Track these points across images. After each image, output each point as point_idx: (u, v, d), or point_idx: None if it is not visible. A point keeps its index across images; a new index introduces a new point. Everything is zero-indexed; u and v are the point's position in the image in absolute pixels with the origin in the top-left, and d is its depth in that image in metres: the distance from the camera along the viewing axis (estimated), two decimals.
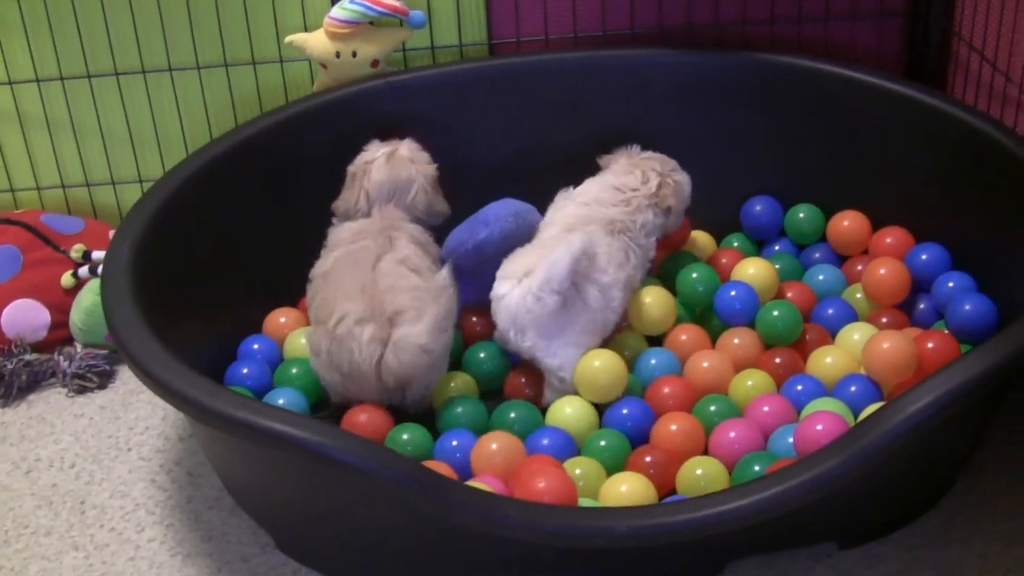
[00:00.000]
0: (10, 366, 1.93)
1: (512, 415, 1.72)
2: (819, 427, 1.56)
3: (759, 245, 2.10)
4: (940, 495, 1.64)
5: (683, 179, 1.91)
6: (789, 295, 1.90)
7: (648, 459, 1.61)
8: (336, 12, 2.00)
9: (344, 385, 1.71)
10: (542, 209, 1.89)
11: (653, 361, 1.79)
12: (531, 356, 1.74)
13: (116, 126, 2.13)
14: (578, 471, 1.60)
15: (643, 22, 2.13)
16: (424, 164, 1.87)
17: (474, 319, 1.88)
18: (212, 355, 1.81)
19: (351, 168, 1.87)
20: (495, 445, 1.62)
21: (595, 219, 1.80)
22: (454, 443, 1.67)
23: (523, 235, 1.83)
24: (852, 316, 1.86)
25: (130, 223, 1.75)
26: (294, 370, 1.81)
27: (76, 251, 2.02)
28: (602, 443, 1.65)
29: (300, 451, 1.40)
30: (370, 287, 1.69)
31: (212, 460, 1.72)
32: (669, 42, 2.12)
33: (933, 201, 1.93)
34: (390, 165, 1.83)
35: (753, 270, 1.90)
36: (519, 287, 1.70)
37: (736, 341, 1.81)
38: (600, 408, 1.74)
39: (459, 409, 1.72)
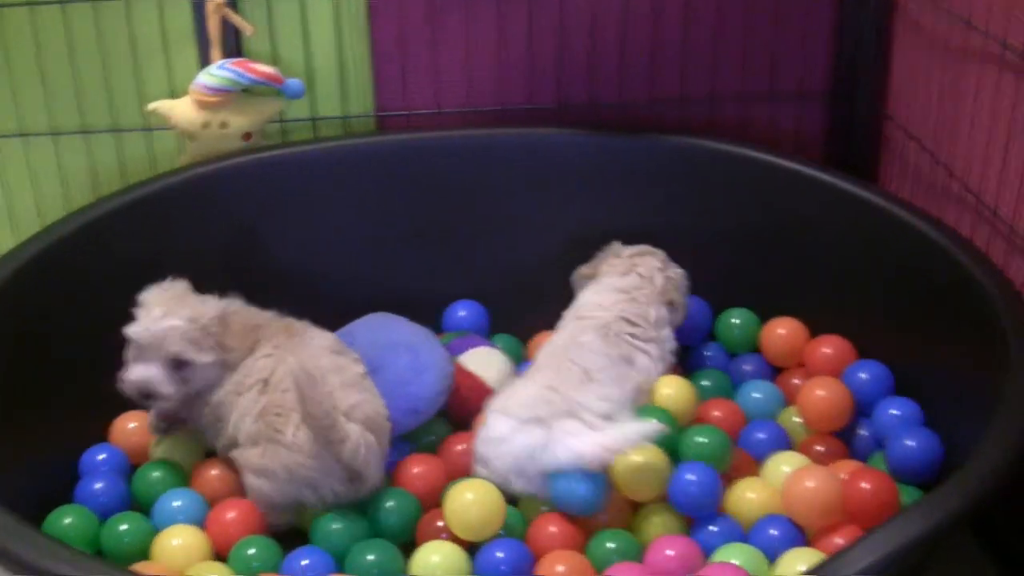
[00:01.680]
0: None
1: (369, 557, 1.45)
2: None
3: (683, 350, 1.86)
4: None
5: (679, 271, 1.76)
6: (716, 414, 1.67)
7: None
8: (203, 79, 1.79)
9: (304, 496, 1.51)
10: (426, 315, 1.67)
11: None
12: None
13: None
14: None
15: (542, 98, 1.95)
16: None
17: None
18: (48, 473, 1.58)
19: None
20: None
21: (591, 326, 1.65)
22: (304, 562, 1.44)
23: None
24: (784, 443, 1.65)
25: None
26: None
27: None
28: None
29: None
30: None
31: None
32: (571, 121, 1.92)
33: (873, 310, 1.72)
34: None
35: (669, 391, 1.66)
36: (524, 433, 1.50)
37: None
38: (475, 548, 1.49)
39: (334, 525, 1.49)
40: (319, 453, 1.47)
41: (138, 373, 1.51)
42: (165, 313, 1.51)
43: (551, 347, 1.63)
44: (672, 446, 1.57)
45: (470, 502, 1.48)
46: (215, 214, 1.79)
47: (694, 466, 1.51)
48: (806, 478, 1.47)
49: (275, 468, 1.49)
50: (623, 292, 1.69)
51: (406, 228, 1.86)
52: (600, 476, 1.47)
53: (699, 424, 1.61)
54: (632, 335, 1.64)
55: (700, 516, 1.49)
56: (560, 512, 1.51)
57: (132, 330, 1.51)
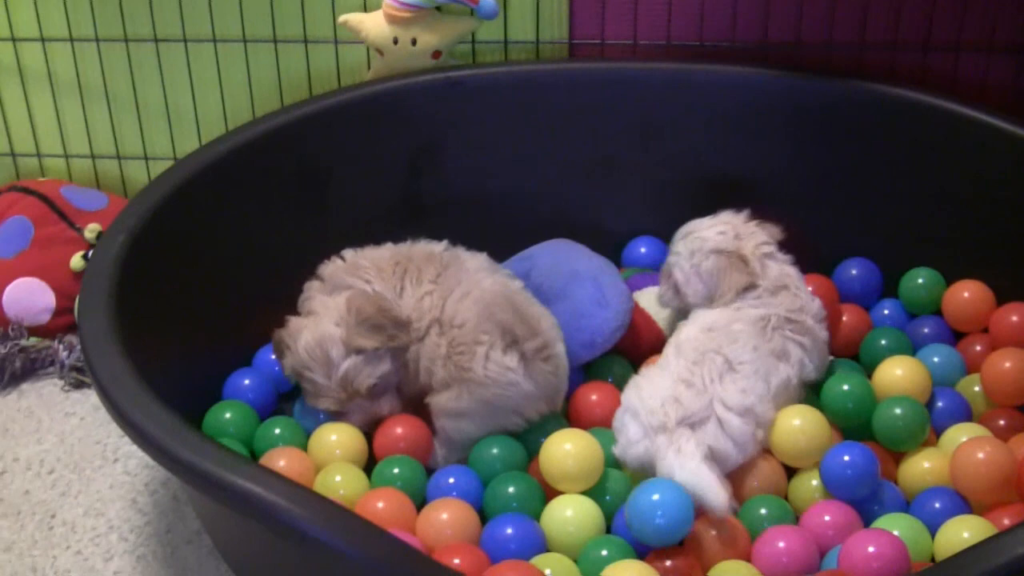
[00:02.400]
0: (3, 350, 1.77)
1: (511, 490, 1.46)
2: (870, 549, 1.30)
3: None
4: None
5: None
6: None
7: (668, 563, 1.35)
8: None
9: (511, 423, 1.52)
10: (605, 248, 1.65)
11: None
12: None
13: (152, 97, 1.95)
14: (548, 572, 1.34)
15: (744, 35, 1.86)
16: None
17: None
18: (197, 385, 1.60)
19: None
20: (445, 515, 1.41)
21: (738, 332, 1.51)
22: (450, 480, 1.46)
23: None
24: (965, 413, 1.59)
25: (130, 213, 1.55)
26: None
27: (91, 231, 1.84)
28: (603, 552, 1.38)
29: (263, 517, 1.18)
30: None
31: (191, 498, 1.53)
32: (774, 61, 1.84)
33: None
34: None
35: (901, 372, 1.57)
36: (652, 443, 1.43)
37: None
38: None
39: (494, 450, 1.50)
40: (517, 379, 1.47)
41: (360, 421, 1.51)
42: (322, 367, 1.48)
43: (696, 328, 1.53)
44: (867, 416, 1.52)
45: (567, 453, 1.44)
46: (397, 131, 1.78)
47: (850, 446, 1.45)
48: (977, 449, 1.41)
49: (473, 407, 1.48)
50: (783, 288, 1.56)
51: (592, 158, 1.82)
52: (685, 506, 1.36)
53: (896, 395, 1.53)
54: (792, 330, 1.53)
55: (852, 499, 1.44)
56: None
57: (319, 404, 1.51)
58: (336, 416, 1.53)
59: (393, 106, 1.78)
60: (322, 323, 1.49)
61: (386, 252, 1.59)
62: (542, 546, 1.40)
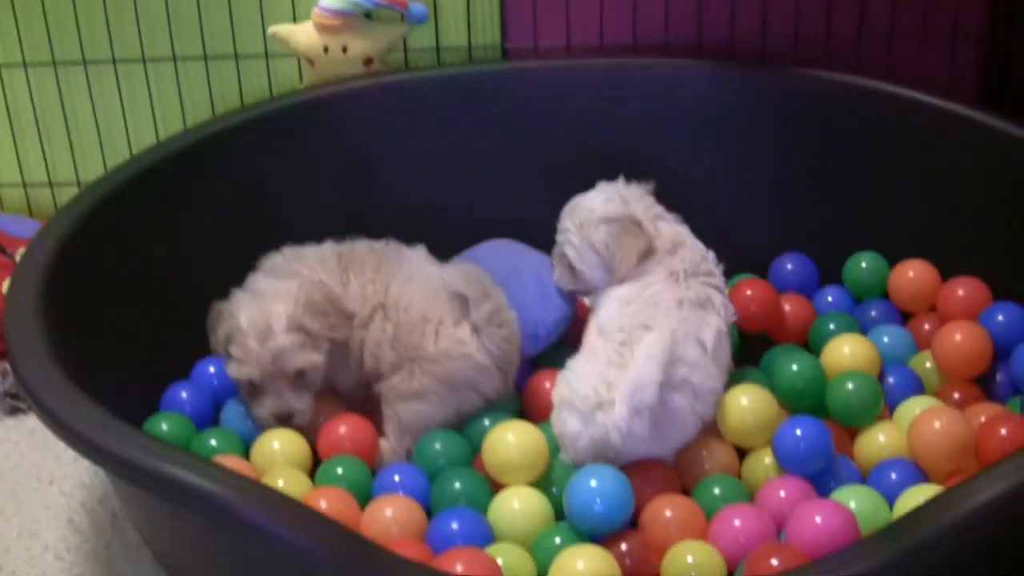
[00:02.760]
0: None
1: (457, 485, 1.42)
2: (817, 519, 1.27)
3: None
4: None
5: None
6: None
7: (624, 547, 1.31)
8: (326, 1, 1.77)
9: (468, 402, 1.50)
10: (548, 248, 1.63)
11: None
12: None
13: (83, 120, 1.94)
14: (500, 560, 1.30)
15: (678, 32, 1.88)
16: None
17: None
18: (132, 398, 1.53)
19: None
20: (389, 511, 1.36)
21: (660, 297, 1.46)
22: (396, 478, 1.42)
23: None
24: (918, 388, 1.57)
25: (58, 221, 1.52)
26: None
27: (21, 256, 1.80)
28: (556, 540, 1.34)
29: (193, 503, 1.14)
30: None
31: (123, 503, 1.47)
32: (706, 54, 1.86)
33: (1012, 252, 1.63)
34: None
35: (849, 350, 1.56)
36: (593, 426, 1.37)
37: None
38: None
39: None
40: (470, 351, 1.46)
41: (272, 407, 1.46)
42: (259, 334, 1.44)
43: (614, 306, 1.47)
44: (819, 394, 1.50)
45: (511, 444, 1.40)
46: (331, 141, 1.77)
47: (802, 420, 1.42)
48: (933, 418, 1.40)
49: (427, 385, 1.46)
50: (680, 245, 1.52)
51: (532, 159, 1.81)
52: (623, 492, 1.33)
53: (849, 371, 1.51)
54: (704, 280, 1.49)
55: (807, 473, 1.40)
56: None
57: (240, 372, 1.45)
58: (250, 398, 1.49)
59: (326, 115, 1.77)
60: (269, 300, 1.46)
61: (327, 247, 1.57)
62: (489, 539, 1.36)
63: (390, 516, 1.36)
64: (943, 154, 1.69)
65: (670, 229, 1.53)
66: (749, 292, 1.66)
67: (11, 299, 1.40)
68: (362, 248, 1.56)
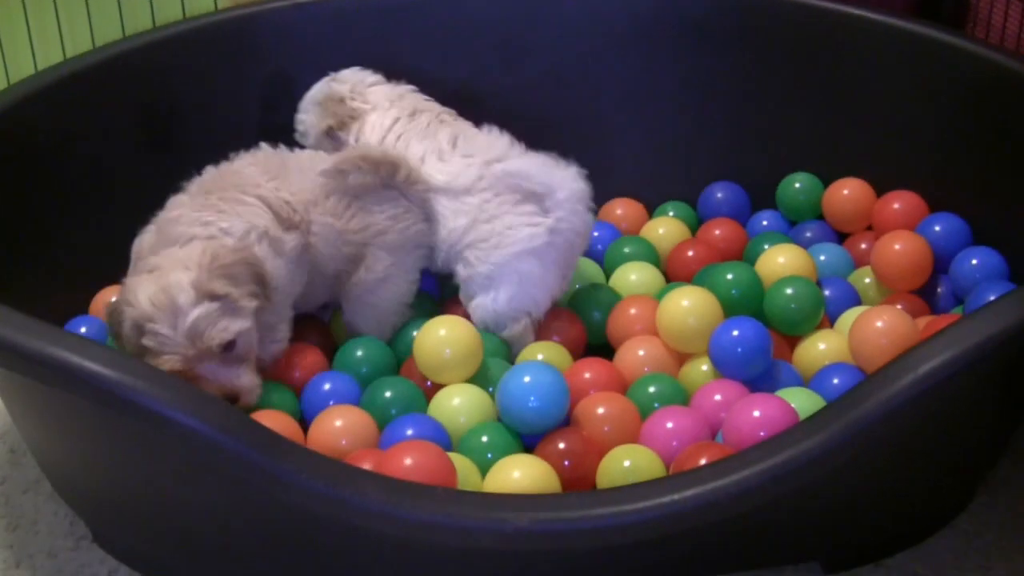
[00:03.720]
0: None
1: (387, 393, 1.35)
2: (756, 413, 1.22)
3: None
4: (954, 512, 1.31)
5: None
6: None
7: (561, 446, 1.25)
8: None
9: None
10: None
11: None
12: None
13: None
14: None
15: None
16: None
17: None
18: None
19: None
20: (339, 422, 1.28)
21: None
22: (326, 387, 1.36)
23: None
24: (856, 301, 1.53)
25: None
26: None
27: None
28: (484, 439, 1.28)
29: (91, 389, 1.07)
30: None
31: (20, 426, 1.37)
32: None
33: (948, 162, 1.60)
34: None
35: (784, 259, 1.52)
36: None
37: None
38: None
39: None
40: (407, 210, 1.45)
41: (218, 385, 1.28)
42: (166, 315, 1.25)
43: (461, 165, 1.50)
44: (756, 302, 1.45)
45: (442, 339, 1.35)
46: (247, 61, 1.69)
47: (739, 321, 1.36)
48: (875, 318, 1.35)
49: (386, 262, 1.44)
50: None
51: (450, 83, 1.70)
52: (558, 388, 1.28)
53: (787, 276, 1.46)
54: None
55: (744, 377, 1.36)
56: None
57: (165, 365, 1.25)
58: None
59: (242, 35, 1.69)
60: (168, 273, 1.29)
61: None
62: (447, 443, 1.29)
63: (340, 427, 1.27)
64: (877, 70, 1.65)
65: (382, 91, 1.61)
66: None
67: None
68: (265, 155, 1.47)
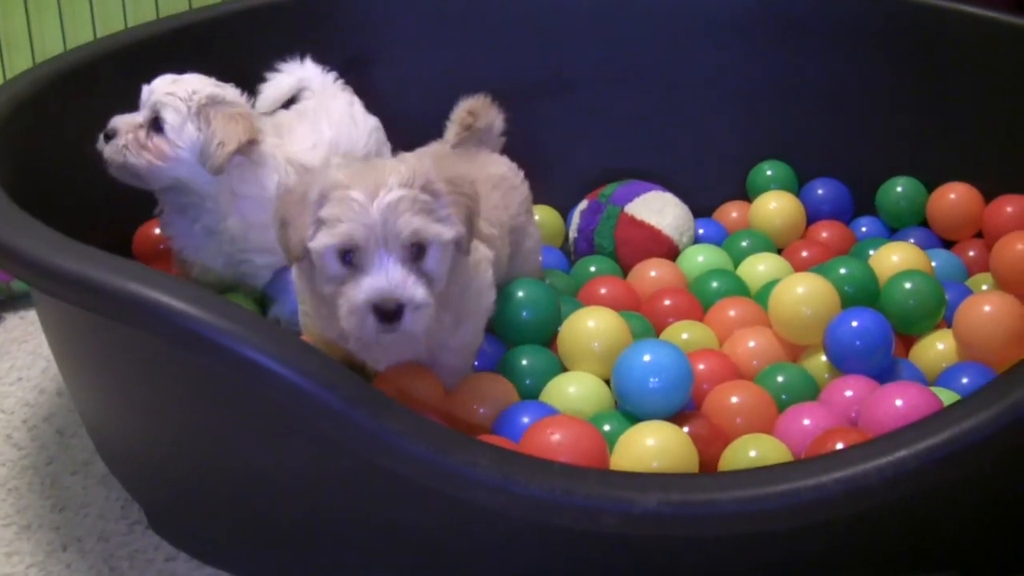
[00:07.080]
0: None
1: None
2: (898, 403, 1.11)
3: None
4: None
5: None
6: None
7: (686, 430, 1.12)
8: None
9: None
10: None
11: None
12: None
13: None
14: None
15: None
16: None
17: None
18: None
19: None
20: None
21: None
22: None
23: None
24: None
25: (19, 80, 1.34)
26: None
27: None
28: (606, 428, 1.16)
29: (176, 330, 0.96)
30: None
31: (77, 398, 1.26)
32: None
33: None
34: None
35: (898, 257, 1.42)
36: None
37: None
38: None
39: None
40: None
41: (376, 285, 1.07)
42: (374, 177, 1.07)
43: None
44: (871, 299, 1.33)
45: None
46: (327, 39, 1.60)
47: (859, 312, 1.25)
48: (982, 303, 1.24)
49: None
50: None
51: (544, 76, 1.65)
52: (681, 367, 1.16)
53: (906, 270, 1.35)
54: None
55: (864, 372, 1.24)
56: None
57: (347, 219, 1.06)
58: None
59: (323, 12, 1.61)
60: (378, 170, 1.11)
61: None
62: None
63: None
64: (981, 66, 1.56)
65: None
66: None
67: None
68: None
